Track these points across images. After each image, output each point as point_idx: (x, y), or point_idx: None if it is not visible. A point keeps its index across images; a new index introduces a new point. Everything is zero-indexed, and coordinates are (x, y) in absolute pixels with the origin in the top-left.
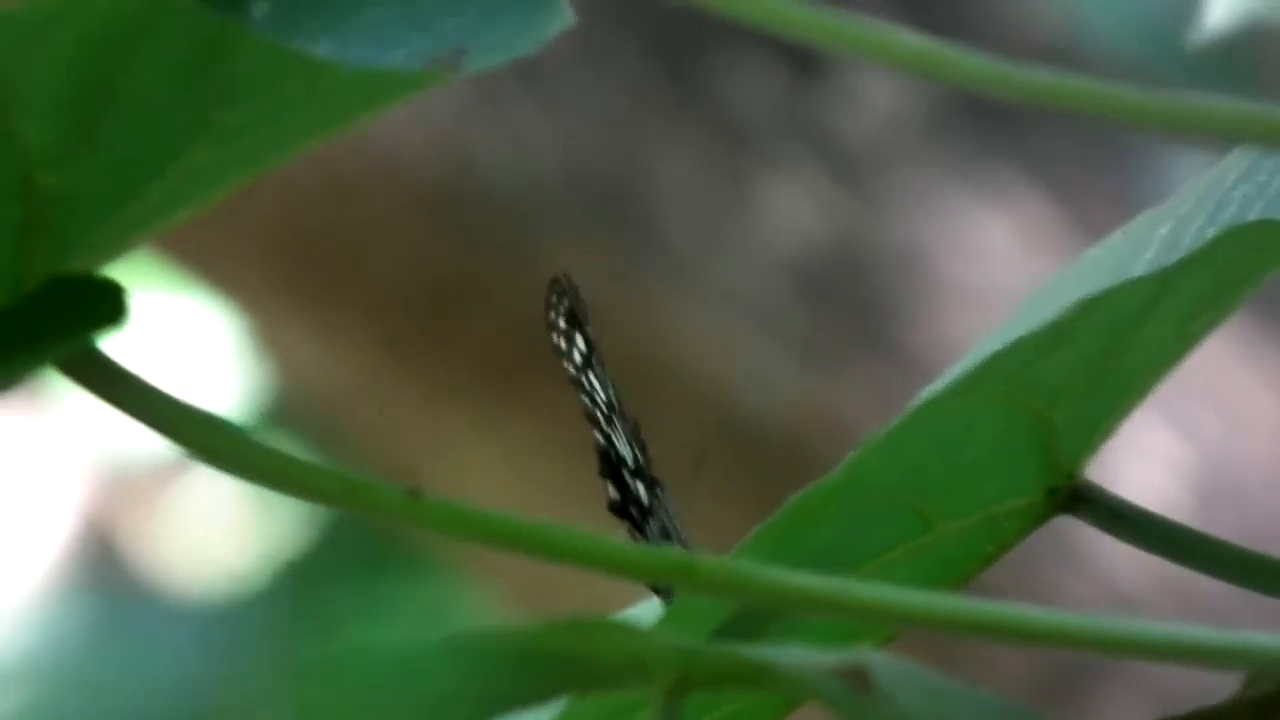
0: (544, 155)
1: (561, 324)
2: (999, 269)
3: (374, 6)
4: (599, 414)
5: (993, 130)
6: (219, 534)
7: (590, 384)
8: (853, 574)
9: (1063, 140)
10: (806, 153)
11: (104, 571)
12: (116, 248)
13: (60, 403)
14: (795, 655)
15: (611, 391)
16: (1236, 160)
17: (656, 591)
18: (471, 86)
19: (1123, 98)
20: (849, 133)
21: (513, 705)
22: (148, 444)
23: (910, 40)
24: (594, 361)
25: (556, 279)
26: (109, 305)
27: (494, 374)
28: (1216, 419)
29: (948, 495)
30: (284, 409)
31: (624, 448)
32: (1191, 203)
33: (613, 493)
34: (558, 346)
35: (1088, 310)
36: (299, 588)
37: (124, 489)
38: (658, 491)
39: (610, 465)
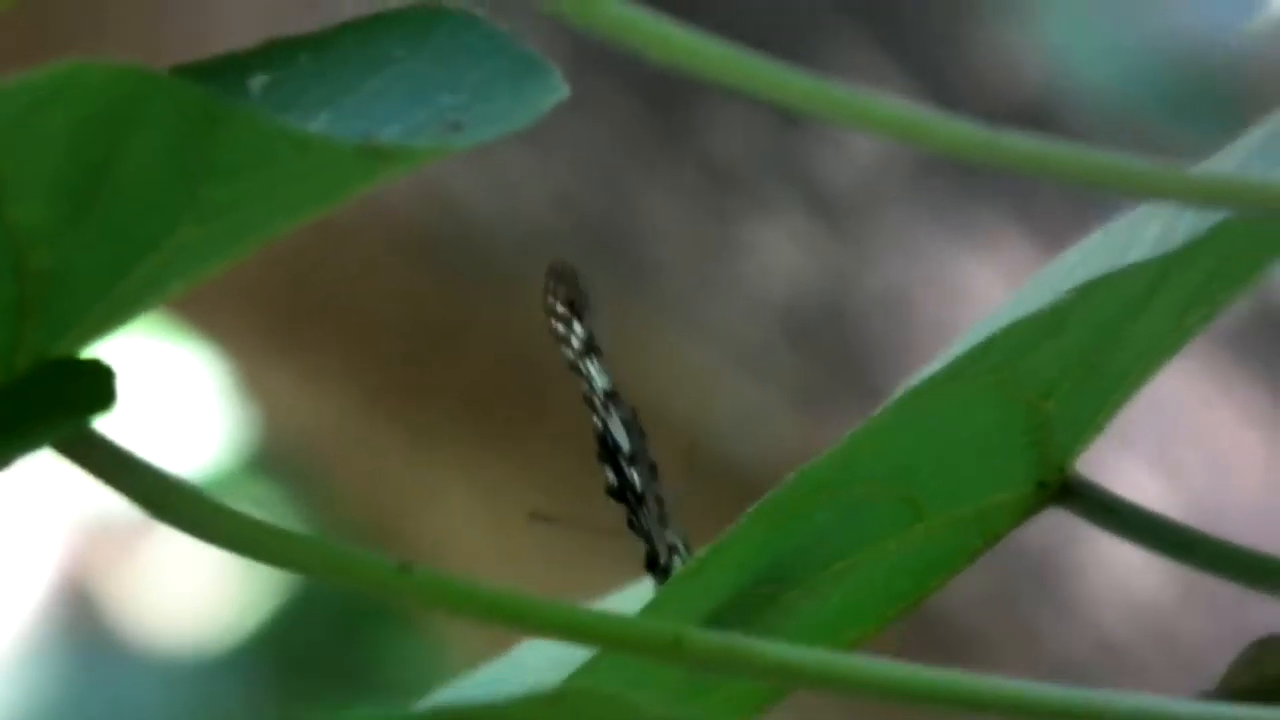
0: (532, 199)
1: (559, 309)
2: (983, 312)
3: (372, 80)
4: (596, 400)
5: (976, 174)
6: (198, 588)
7: (588, 370)
8: (842, 563)
9: (1046, 184)
10: (792, 197)
11: (82, 626)
12: (109, 325)
13: (38, 458)
14: None
15: (609, 378)
16: (1227, 157)
17: (650, 568)
18: None
19: (1106, 165)
20: (834, 177)
21: None
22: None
23: (892, 106)
24: (592, 348)
25: (555, 264)
26: (97, 389)
27: (478, 418)
28: (1199, 460)
29: (938, 486)
30: (268, 452)
31: (620, 434)
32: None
33: (610, 477)
34: (555, 331)
35: (1083, 297)
36: (278, 642)
37: (102, 543)
38: (654, 477)
39: (608, 450)
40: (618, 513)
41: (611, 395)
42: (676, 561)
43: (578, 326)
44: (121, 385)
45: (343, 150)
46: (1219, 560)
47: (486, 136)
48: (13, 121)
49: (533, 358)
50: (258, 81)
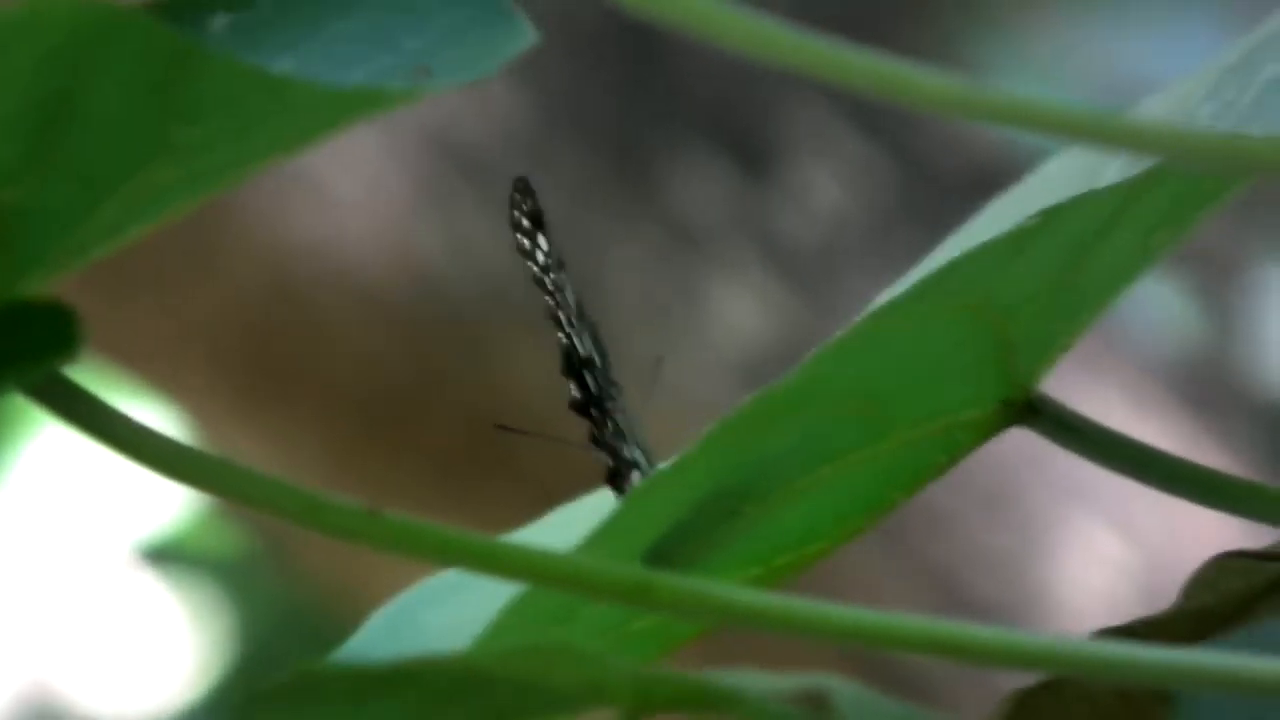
0: (494, 257)
1: (525, 224)
2: None
3: (336, 23)
4: (561, 315)
5: (933, 227)
6: (153, 658)
7: (552, 285)
8: (806, 479)
9: None
10: (753, 253)
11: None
12: (74, 261)
13: None
14: (755, 681)
15: (573, 294)
16: (1202, 79)
17: (612, 483)
18: (420, 189)
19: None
20: (795, 234)
21: None
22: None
23: (865, 59)
24: (556, 264)
25: (519, 179)
26: (59, 332)
27: (443, 477)
28: (1158, 520)
29: (903, 403)
30: (231, 511)
31: (585, 349)
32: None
33: (575, 392)
34: (521, 246)
35: (1050, 219)
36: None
37: (60, 632)
38: (615, 394)
39: (572, 365)
40: (582, 429)
41: (579, 310)
42: (636, 476)
43: (541, 240)
44: (82, 445)
45: (318, 94)
46: (1179, 479)
47: (454, 82)
48: None
49: (498, 414)
50: (219, 22)
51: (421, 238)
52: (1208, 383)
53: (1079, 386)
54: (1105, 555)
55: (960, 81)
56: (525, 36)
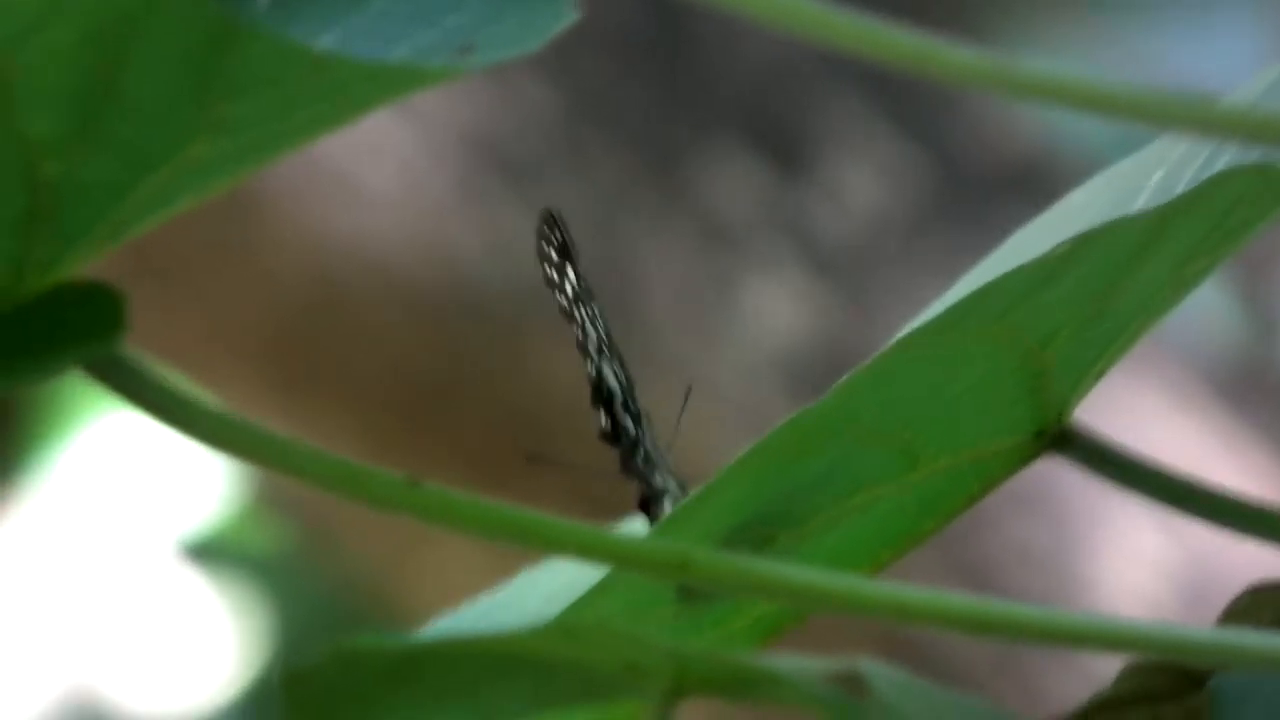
0: (528, 253)
1: (553, 256)
2: None
3: (378, 0)
4: (590, 346)
5: (969, 226)
6: (195, 655)
7: (582, 316)
8: (839, 507)
9: None
10: (789, 251)
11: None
12: (118, 236)
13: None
14: (791, 663)
15: (602, 325)
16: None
17: (644, 509)
18: (457, 187)
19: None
20: (831, 231)
21: (502, 711)
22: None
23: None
24: (585, 295)
25: (547, 212)
26: (107, 313)
27: (476, 471)
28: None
29: (936, 432)
30: (269, 503)
31: (614, 380)
32: (1185, 147)
33: (604, 422)
34: (550, 278)
35: (1083, 247)
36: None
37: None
38: (643, 422)
39: (601, 396)
40: (612, 459)
41: (605, 340)
42: (668, 504)
43: (570, 271)
44: (124, 442)
45: (358, 69)
46: (1215, 509)
47: (496, 59)
48: (22, 31)
49: (533, 411)
50: None
51: (456, 234)
52: (1248, 379)
53: (1118, 384)
54: (1147, 553)
55: (991, 56)
56: (566, 13)
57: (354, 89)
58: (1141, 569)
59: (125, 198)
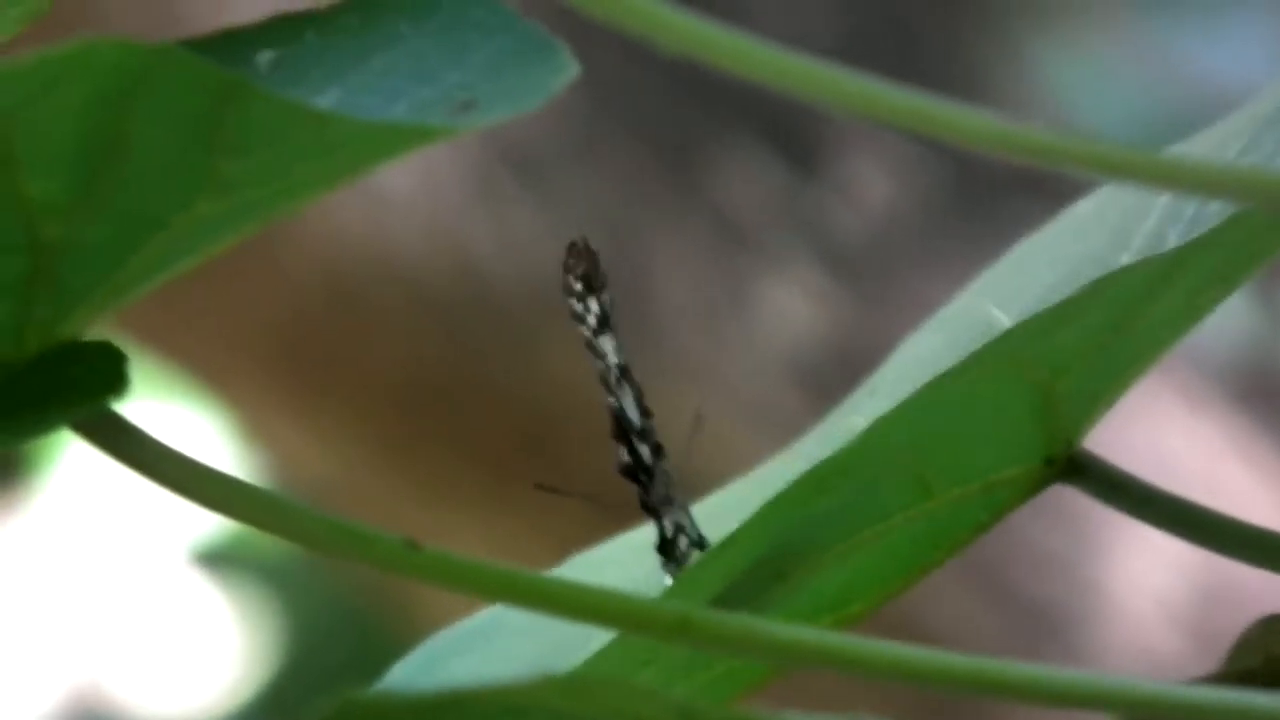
0: (542, 254)
1: (577, 288)
2: None
3: (379, 57)
4: (611, 377)
5: (983, 224)
6: (204, 661)
7: (604, 349)
8: (850, 540)
9: None
10: (803, 249)
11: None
12: (121, 298)
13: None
14: (797, 719)
15: (623, 355)
16: (1234, 129)
17: (662, 550)
18: (471, 185)
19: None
20: (844, 229)
21: None
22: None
23: (909, 97)
24: (609, 326)
25: (574, 243)
26: (109, 372)
27: (487, 472)
28: None
29: (947, 463)
30: None
31: (634, 413)
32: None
33: (624, 455)
34: (573, 310)
35: (1099, 290)
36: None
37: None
38: (660, 456)
39: (622, 429)
40: (624, 490)
41: (624, 371)
42: (683, 540)
43: (593, 303)
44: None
45: (359, 127)
46: (1227, 538)
47: (497, 116)
48: (27, 98)
49: (544, 410)
50: (264, 58)
51: (471, 233)
52: (1264, 384)
53: (1133, 391)
54: (1164, 556)
55: (999, 119)
56: (567, 70)
57: (354, 146)
58: (1159, 572)
59: (127, 259)
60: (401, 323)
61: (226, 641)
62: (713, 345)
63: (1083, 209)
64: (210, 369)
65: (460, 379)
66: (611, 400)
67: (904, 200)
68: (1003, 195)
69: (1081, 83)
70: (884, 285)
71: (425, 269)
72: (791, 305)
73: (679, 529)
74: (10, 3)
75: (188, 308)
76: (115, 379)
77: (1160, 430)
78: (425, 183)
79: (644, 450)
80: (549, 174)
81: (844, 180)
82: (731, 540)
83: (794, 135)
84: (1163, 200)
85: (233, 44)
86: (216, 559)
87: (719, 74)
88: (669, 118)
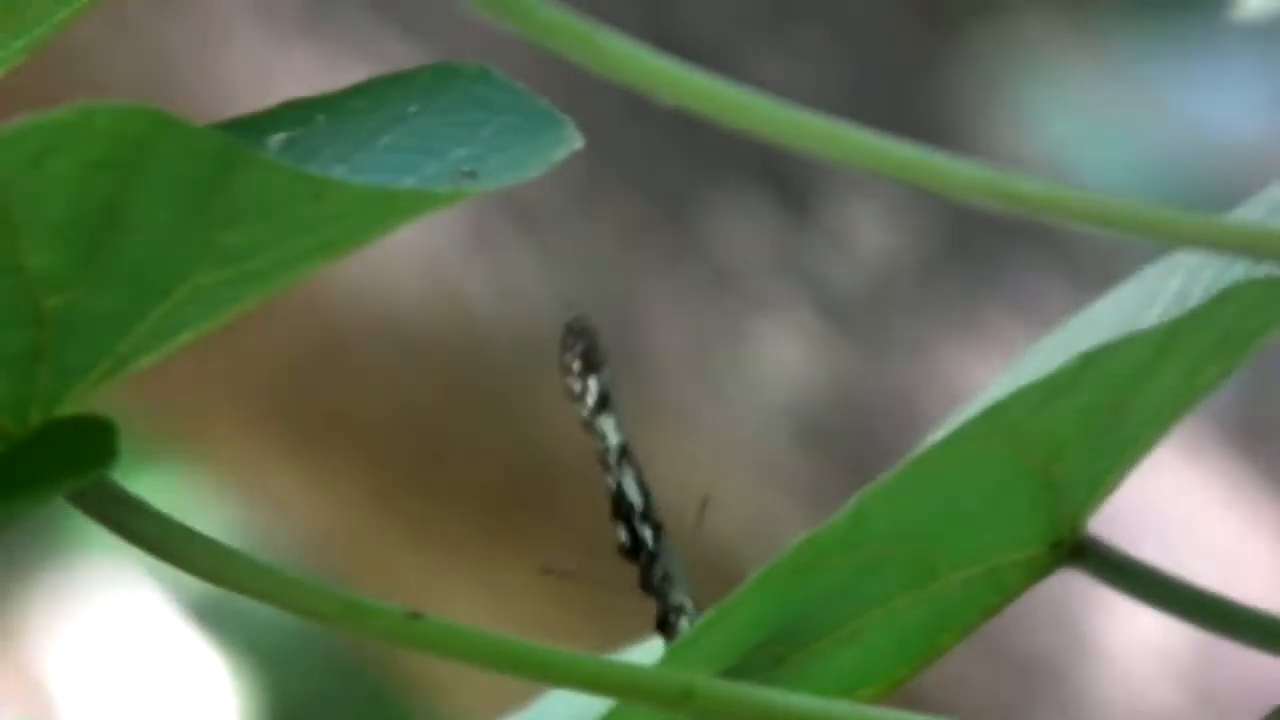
0: (538, 300)
1: (575, 367)
2: None
3: (387, 136)
4: (610, 458)
5: (981, 270)
6: (197, 716)
7: (602, 428)
8: (852, 624)
9: (1051, 280)
10: (799, 297)
11: None
12: (124, 369)
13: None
14: None
15: (622, 434)
16: (1251, 211)
17: (661, 630)
18: (466, 232)
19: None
20: (841, 277)
21: None
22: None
23: (902, 149)
24: (609, 406)
25: (571, 322)
26: (100, 444)
27: (484, 520)
28: (1210, 564)
29: (950, 545)
30: (274, 555)
31: (634, 492)
32: (1202, 254)
33: (623, 536)
34: (570, 390)
35: (1090, 363)
36: None
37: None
38: (661, 535)
39: (621, 509)
40: (628, 572)
41: (624, 451)
42: (684, 622)
43: (592, 383)
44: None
45: (359, 195)
46: (1235, 623)
47: (500, 183)
48: (24, 164)
49: (542, 460)
50: (276, 140)
51: (466, 281)
52: (1258, 428)
53: None
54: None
55: (994, 171)
56: (570, 141)
57: (356, 215)
58: (1158, 626)
59: (129, 331)
60: (395, 370)
61: (219, 698)
62: (707, 392)
63: (1100, 305)
64: (199, 417)
65: (456, 427)
66: (610, 480)
67: (900, 245)
68: (1001, 244)
69: (1079, 134)
70: (881, 330)
71: (419, 316)
72: (787, 351)
73: (680, 610)
74: (14, 35)
75: (179, 356)
76: (105, 451)
77: (1153, 475)
78: (421, 230)
79: (645, 531)
80: (545, 222)
81: (840, 226)
82: (724, 614)
83: (791, 183)
84: (1171, 288)
85: (245, 128)
86: (211, 613)
87: (715, 123)
88: (664, 163)
